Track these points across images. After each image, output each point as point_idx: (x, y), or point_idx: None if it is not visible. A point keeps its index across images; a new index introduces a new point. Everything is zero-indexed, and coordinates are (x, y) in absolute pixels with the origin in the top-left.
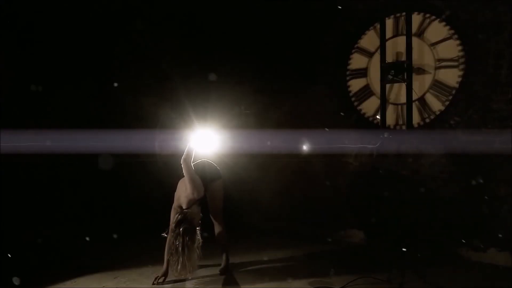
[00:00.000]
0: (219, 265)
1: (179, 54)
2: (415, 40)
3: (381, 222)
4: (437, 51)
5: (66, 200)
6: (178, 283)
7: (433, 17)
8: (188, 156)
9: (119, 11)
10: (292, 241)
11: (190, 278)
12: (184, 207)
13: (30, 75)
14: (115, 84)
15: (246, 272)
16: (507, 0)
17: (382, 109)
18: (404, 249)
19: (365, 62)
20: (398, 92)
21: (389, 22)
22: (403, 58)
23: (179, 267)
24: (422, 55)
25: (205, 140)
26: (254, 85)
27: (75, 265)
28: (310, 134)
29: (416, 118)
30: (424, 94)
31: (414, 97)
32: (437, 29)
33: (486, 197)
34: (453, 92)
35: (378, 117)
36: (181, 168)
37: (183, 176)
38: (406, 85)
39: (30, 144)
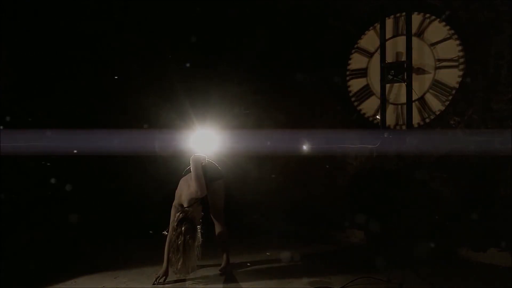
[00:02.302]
0: (219, 265)
1: (179, 54)
2: (415, 40)
3: (381, 222)
4: (437, 51)
5: (66, 200)
6: (178, 283)
7: (433, 17)
8: (200, 156)
9: (119, 11)
10: (292, 241)
11: (190, 278)
12: (185, 206)
13: (30, 75)
14: (115, 84)
15: (246, 272)
16: (507, 0)
17: (382, 109)
18: (403, 249)
19: (365, 62)
20: (398, 92)
21: (389, 22)
22: (403, 58)
23: (179, 265)
24: (422, 55)
25: (205, 140)
26: (254, 85)
27: (75, 265)
28: (310, 134)
29: (416, 118)
30: (424, 94)
31: (414, 97)
32: (437, 29)
33: (485, 197)
34: (453, 92)
35: (378, 117)
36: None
37: (184, 176)
38: (406, 85)
39: (30, 144)
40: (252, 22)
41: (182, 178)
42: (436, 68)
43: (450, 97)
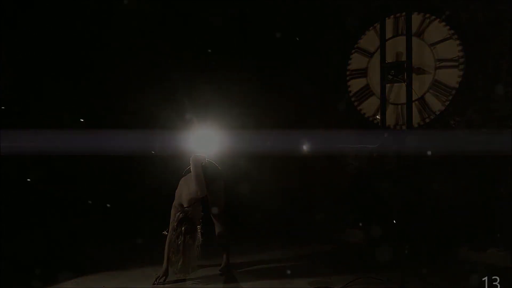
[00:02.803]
0: (219, 265)
1: (179, 54)
2: (415, 40)
3: (381, 222)
4: (437, 51)
5: (66, 200)
6: (178, 283)
7: (433, 17)
8: (200, 156)
9: (119, 10)
10: (292, 241)
11: (190, 278)
12: (185, 205)
13: (30, 75)
14: (115, 84)
15: (246, 272)
16: (507, 0)
17: (382, 109)
18: (404, 250)
19: (365, 62)
20: (398, 92)
21: (389, 22)
22: (403, 58)
23: (179, 265)
24: (422, 55)
25: (205, 140)
26: (254, 85)
27: (75, 265)
28: (310, 134)
29: (416, 118)
30: (424, 94)
31: (414, 97)
32: (437, 29)
33: (486, 197)
34: (453, 92)
35: (378, 117)
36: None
37: (184, 176)
38: (406, 85)
39: (30, 144)
40: (252, 22)
41: (182, 178)
42: (436, 68)
43: (450, 97)
